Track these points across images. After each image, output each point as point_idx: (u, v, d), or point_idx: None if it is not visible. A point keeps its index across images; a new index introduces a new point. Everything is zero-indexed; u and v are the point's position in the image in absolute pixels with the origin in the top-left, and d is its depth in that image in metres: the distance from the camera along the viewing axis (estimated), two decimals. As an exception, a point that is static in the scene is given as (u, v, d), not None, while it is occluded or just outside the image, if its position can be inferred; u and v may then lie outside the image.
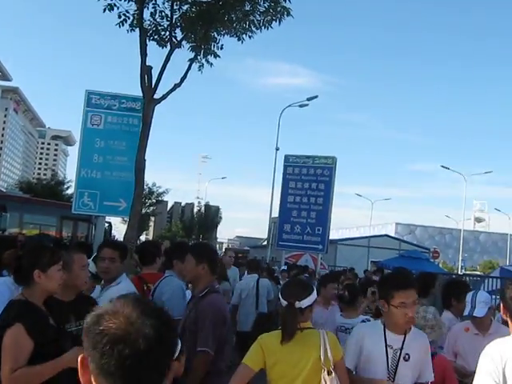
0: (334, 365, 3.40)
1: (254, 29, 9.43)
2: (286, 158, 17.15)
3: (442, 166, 50.06)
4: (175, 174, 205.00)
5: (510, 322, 3.30)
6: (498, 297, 5.25)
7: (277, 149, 29.74)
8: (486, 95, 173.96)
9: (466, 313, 4.61)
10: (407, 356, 3.49)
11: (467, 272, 52.64)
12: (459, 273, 45.77)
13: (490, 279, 11.68)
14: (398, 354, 3.49)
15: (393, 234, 72.59)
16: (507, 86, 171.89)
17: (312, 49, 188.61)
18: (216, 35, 9.64)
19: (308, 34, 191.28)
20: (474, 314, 4.41)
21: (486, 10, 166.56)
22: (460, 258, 57.77)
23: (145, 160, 8.53)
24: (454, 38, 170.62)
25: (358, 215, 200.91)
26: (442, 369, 3.85)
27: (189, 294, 5.07)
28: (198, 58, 9.76)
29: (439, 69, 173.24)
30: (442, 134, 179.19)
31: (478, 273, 50.27)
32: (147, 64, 8.77)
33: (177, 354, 1.34)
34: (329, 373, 3.35)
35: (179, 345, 1.35)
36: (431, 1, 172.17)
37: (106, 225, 18.04)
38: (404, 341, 3.50)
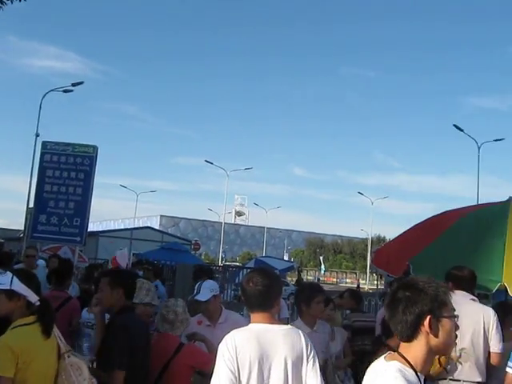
0: None
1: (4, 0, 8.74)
2: (44, 144, 16.07)
3: (206, 161, 52.35)
4: None
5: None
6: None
7: (37, 135, 28.02)
8: (257, 93, 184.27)
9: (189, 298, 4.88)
10: None
11: (227, 263, 55.60)
12: (220, 264, 48.16)
13: (246, 270, 12.50)
14: None
15: (157, 227, 73.54)
16: (279, 79, 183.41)
17: (83, 34, 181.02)
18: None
19: (79, 18, 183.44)
20: (196, 298, 4.63)
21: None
22: (221, 250, 60.77)
23: None
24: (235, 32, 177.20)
25: (123, 207, 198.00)
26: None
27: None
28: None
29: (212, 65, 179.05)
30: (210, 129, 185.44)
31: (237, 263, 53.45)
32: None
33: None
34: (68, 356, 3.39)
35: None
36: None
37: None
38: None
